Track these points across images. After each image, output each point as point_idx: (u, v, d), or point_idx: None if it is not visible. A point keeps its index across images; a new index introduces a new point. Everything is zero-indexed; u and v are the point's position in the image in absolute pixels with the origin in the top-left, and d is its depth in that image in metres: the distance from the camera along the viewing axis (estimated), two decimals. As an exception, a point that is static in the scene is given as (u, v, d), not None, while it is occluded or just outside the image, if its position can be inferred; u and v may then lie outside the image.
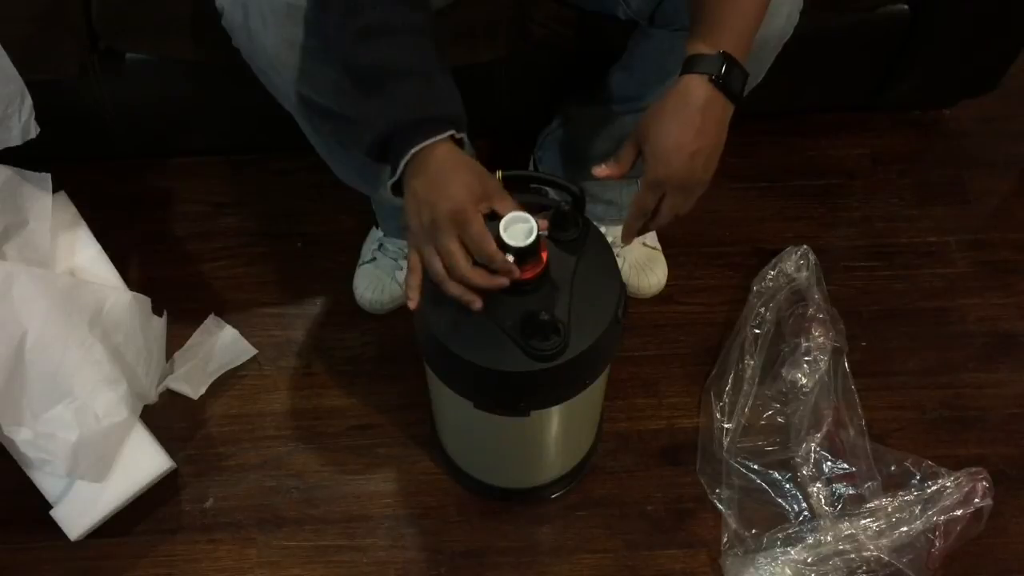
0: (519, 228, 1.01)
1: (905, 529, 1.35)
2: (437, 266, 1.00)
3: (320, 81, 1.15)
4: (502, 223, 1.00)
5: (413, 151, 0.98)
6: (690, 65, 1.03)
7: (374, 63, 0.99)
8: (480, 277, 1.00)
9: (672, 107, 1.03)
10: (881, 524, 1.36)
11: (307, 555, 1.40)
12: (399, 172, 1.00)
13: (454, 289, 1.00)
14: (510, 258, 1.00)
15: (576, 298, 1.09)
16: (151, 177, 1.72)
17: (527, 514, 1.44)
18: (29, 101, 1.32)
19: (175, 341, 1.53)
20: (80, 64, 1.44)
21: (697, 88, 1.02)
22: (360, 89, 1.01)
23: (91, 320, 1.35)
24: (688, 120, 1.02)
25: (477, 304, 1.01)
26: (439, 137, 0.98)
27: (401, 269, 1.56)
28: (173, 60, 1.45)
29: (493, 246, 0.98)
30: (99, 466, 1.33)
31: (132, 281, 1.53)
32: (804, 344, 1.48)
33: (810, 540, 1.36)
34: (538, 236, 1.01)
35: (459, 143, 1.01)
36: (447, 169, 0.98)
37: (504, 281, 1.00)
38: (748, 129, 1.73)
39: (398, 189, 1.02)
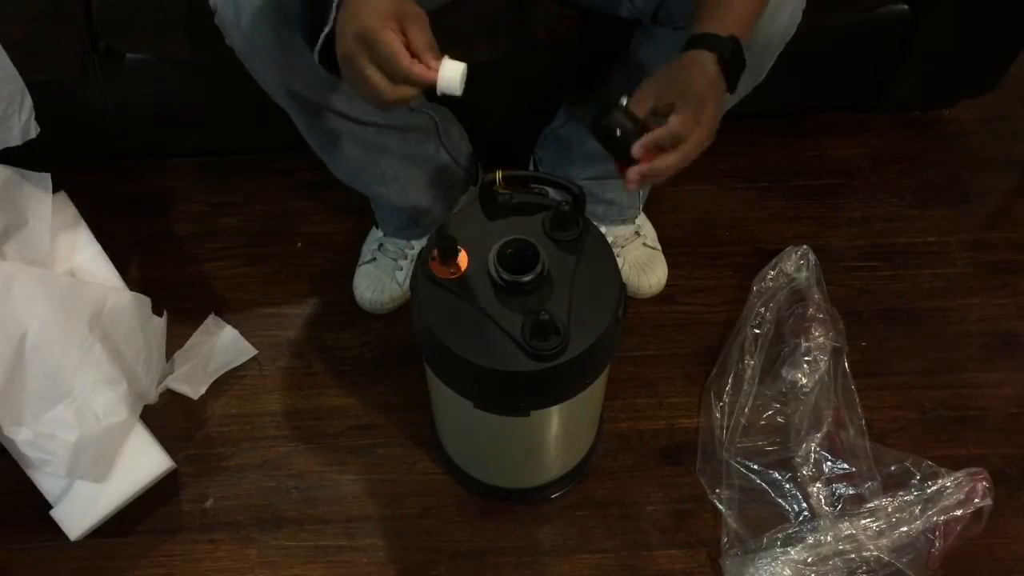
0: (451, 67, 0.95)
1: (905, 529, 1.35)
2: (363, 92, 0.95)
3: (312, 78, 1.15)
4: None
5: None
6: (700, 42, 1.01)
7: None
8: (405, 94, 0.94)
9: (688, 66, 1.01)
10: (881, 524, 1.36)
11: (307, 555, 1.40)
12: (331, 21, 0.95)
13: (392, 101, 0.95)
14: (438, 64, 0.93)
15: (576, 298, 1.09)
16: (151, 177, 1.72)
17: (527, 514, 1.44)
18: (29, 101, 1.33)
19: (175, 341, 1.53)
20: (80, 64, 1.44)
21: (708, 63, 1.01)
22: None
23: (91, 320, 1.35)
24: (703, 79, 1.01)
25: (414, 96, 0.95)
26: None
27: (401, 269, 1.56)
28: (173, 60, 1.45)
29: (404, 61, 0.91)
30: (99, 466, 1.33)
31: (132, 281, 1.53)
32: (804, 344, 1.48)
33: (810, 540, 1.36)
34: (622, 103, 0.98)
35: None
36: None
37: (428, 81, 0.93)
38: (748, 129, 1.75)
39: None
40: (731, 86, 1.04)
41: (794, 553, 1.35)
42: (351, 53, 0.93)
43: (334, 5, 0.95)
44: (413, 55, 0.93)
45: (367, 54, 0.92)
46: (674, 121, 0.98)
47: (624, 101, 1.00)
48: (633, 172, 0.99)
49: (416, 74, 0.92)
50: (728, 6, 1.03)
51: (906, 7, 1.52)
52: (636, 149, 0.98)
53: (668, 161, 0.99)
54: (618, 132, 0.99)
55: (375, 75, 0.93)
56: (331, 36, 0.96)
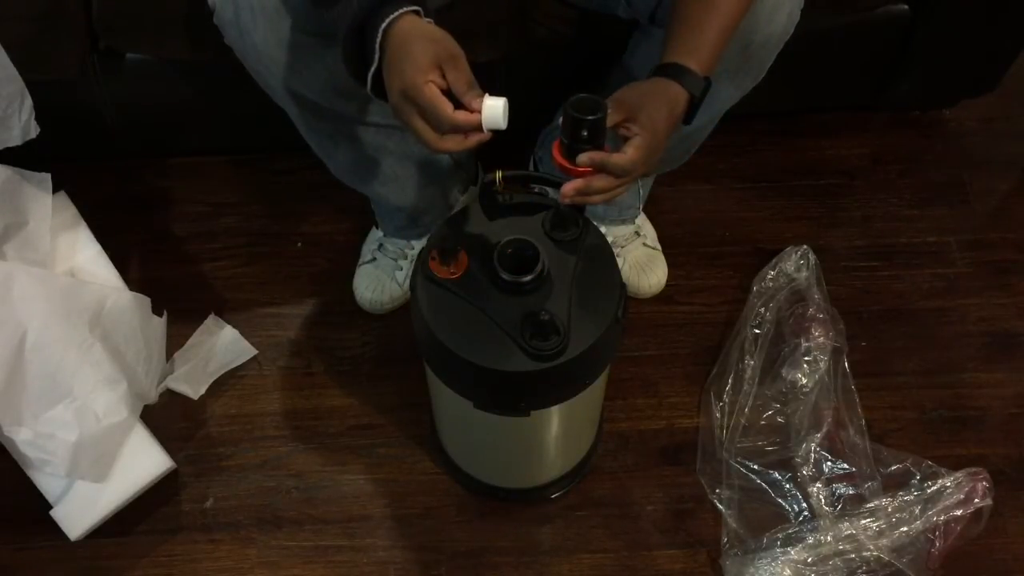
0: (585, 103, 0.98)
1: (905, 529, 1.35)
2: (417, 141, 0.99)
3: (311, 77, 1.15)
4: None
5: (379, 39, 0.97)
6: (677, 74, 1.04)
7: None
8: (454, 143, 0.98)
9: (662, 99, 1.03)
10: (881, 524, 1.36)
11: (307, 555, 1.40)
12: (376, 59, 0.98)
13: (444, 150, 0.99)
14: (480, 102, 0.96)
15: (576, 298, 1.09)
16: (151, 177, 1.72)
17: (527, 514, 1.44)
18: (29, 101, 1.32)
19: (175, 341, 1.53)
20: (80, 64, 1.44)
21: (681, 101, 1.04)
22: (321, 4, 1.01)
23: (91, 320, 1.35)
24: (672, 115, 1.04)
25: (473, 141, 0.98)
26: (396, 13, 0.96)
27: (401, 269, 1.56)
28: (173, 60, 1.45)
29: (447, 111, 0.95)
30: (99, 466, 1.33)
31: (132, 281, 1.53)
32: (804, 344, 1.48)
33: (810, 540, 1.36)
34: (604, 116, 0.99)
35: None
36: (400, 46, 0.97)
37: (480, 137, 0.97)
38: (748, 129, 1.75)
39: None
40: (688, 120, 1.07)
41: (794, 553, 1.35)
42: (399, 108, 0.98)
43: (377, 44, 0.98)
44: (458, 95, 0.96)
45: (414, 109, 0.96)
46: (630, 153, 1.01)
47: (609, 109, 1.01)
48: (570, 187, 1.02)
49: (460, 123, 0.96)
50: (704, 33, 1.05)
51: (906, 7, 1.52)
52: (583, 157, 1.00)
53: (605, 185, 1.02)
54: (585, 133, 1.00)
55: (424, 128, 0.97)
56: (378, 70, 0.99)
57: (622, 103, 1.02)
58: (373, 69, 0.99)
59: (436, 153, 1.00)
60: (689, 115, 1.06)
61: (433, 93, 0.95)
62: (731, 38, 1.08)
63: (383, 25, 0.97)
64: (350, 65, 1.01)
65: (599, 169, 1.01)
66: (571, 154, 1.01)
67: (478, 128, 0.96)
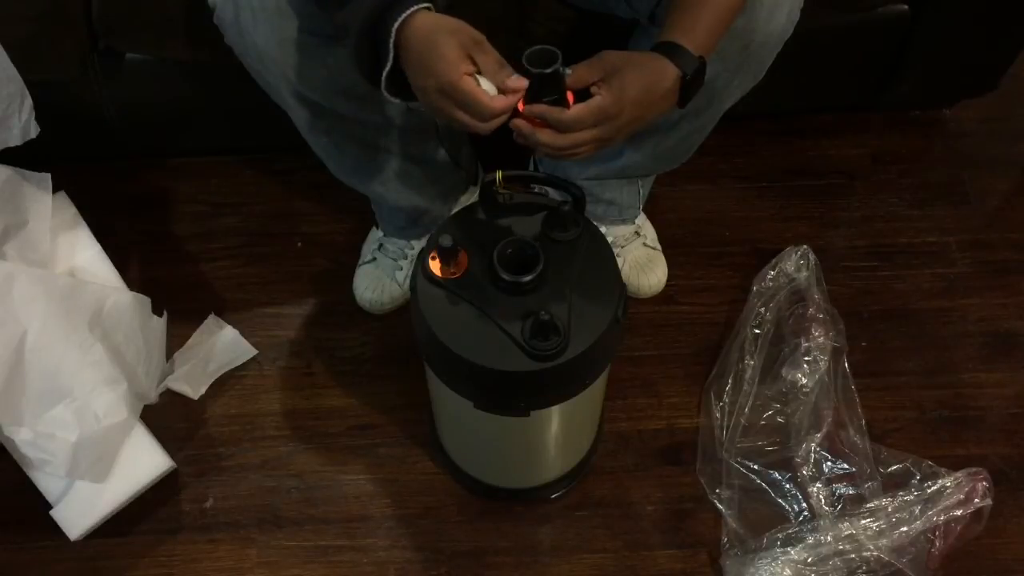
0: (541, 56, 0.99)
1: (905, 529, 1.35)
2: (461, 126, 1.00)
3: (311, 77, 1.15)
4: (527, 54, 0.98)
5: (392, 38, 0.97)
6: (670, 50, 1.02)
7: None
8: (499, 122, 0.99)
9: (645, 71, 1.02)
10: (881, 524, 1.36)
11: (307, 555, 1.40)
12: (390, 59, 0.99)
13: (492, 130, 1.00)
14: (516, 81, 0.97)
15: (576, 298, 1.09)
16: (151, 177, 1.72)
17: (527, 514, 1.44)
18: (29, 101, 1.32)
19: (175, 341, 1.53)
20: (80, 64, 1.44)
21: (669, 76, 1.02)
22: (330, 5, 1.01)
23: (91, 320, 1.35)
24: (652, 89, 1.01)
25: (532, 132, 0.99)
26: (409, 11, 0.97)
27: (401, 269, 1.56)
28: (173, 60, 1.45)
29: (484, 100, 0.96)
30: (99, 466, 1.33)
31: (132, 281, 1.53)
32: (804, 344, 1.48)
33: (810, 540, 1.36)
34: (560, 70, 0.99)
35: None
36: (423, 43, 0.97)
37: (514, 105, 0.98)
38: (748, 129, 1.75)
39: (399, 87, 1.01)
40: (683, 102, 1.05)
41: (794, 553, 1.35)
42: (439, 106, 0.98)
43: (391, 43, 0.98)
44: (490, 77, 0.98)
45: (454, 103, 0.97)
46: (577, 110, 0.99)
47: (568, 71, 1.00)
48: (517, 122, 1.01)
49: (501, 109, 0.97)
50: (699, 14, 1.04)
51: (906, 7, 1.52)
52: (533, 107, 0.99)
53: (548, 139, 1.01)
54: (536, 85, 0.99)
55: (466, 118, 0.98)
56: (393, 68, 1.00)
57: (599, 64, 1.01)
58: (388, 69, 0.99)
59: (475, 131, 1.00)
60: (684, 96, 1.04)
61: (471, 87, 0.96)
62: (730, 23, 1.06)
63: (396, 24, 0.96)
64: (362, 66, 1.01)
65: (543, 122, 1.00)
66: (529, 102, 1.01)
67: (517, 109, 0.98)
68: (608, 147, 1.05)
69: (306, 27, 1.11)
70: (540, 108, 1.00)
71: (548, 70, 0.98)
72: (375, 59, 1.00)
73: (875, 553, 1.34)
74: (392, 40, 0.97)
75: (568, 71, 1.00)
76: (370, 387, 1.53)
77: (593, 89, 1.00)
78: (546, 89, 0.99)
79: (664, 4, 1.18)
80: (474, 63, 0.98)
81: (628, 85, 1.00)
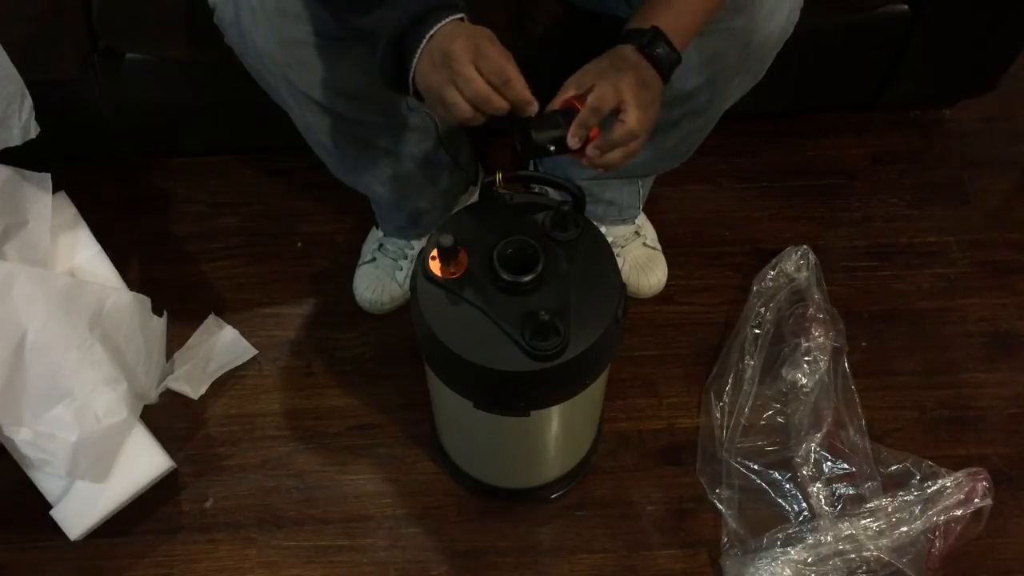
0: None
1: (905, 529, 1.35)
2: (459, 101, 0.98)
3: (311, 77, 1.15)
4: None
5: (422, 46, 0.98)
6: (622, 38, 1.04)
7: None
8: (500, 100, 0.99)
9: (610, 57, 1.03)
10: (881, 524, 1.36)
11: (307, 555, 1.40)
12: (415, 64, 0.99)
13: (479, 119, 1.00)
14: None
15: (576, 298, 1.09)
16: (151, 177, 1.72)
17: (527, 514, 1.44)
18: (29, 101, 1.32)
19: (175, 341, 1.53)
20: (80, 64, 1.44)
21: (627, 50, 1.03)
22: (359, 10, 1.01)
23: (91, 320, 1.35)
24: (627, 64, 1.03)
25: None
26: (445, 21, 0.98)
27: (401, 269, 1.56)
28: (173, 60, 1.45)
29: (511, 67, 0.97)
30: (99, 466, 1.33)
31: (132, 281, 1.53)
32: (804, 344, 1.48)
33: (810, 540, 1.36)
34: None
35: None
36: (451, 30, 0.98)
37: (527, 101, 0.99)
38: (748, 129, 1.75)
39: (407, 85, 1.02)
40: (663, 73, 1.04)
41: (794, 553, 1.35)
42: (455, 57, 0.96)
43: (419, 51, 0.98)
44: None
45: (471, 57, 0.97)
46: (591, 97, 1.00)
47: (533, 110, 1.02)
48: (590, 148, 1.02)
49: (517, 87, 0.99)
50: (656, 11, 1.04)
51: (906, 7, 1.52)
52: (571, 139, 1.01)
53: (619, 157, 1.03)
54: (551, 148, 1.01)
55: (475, 76, 0.97)
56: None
57: (566, 85, 1.03)
58: (412, 74, 0.99)
59: (469, 119, 1.00)
60: (659, 65, 1.03)
61: (502, 49, 0.97)
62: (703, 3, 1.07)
63: (431, 32, 0.97)
64: (386, 70, 1.01)
65: (607, 150, 1.02)
66: (571, 150, 1.03)
67: (525, 103, 0.99)
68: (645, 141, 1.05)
69: (308, 28, 1.11)
70: (599, 141, 1.01)
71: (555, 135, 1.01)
72: (398, 63, 1.00)
73: (875, 553, 1.34)
74: (422, 47, 0.98)
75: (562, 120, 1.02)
76: (370, 387, 1.53)
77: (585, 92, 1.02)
78: (554, 138, 1.02)
79: None
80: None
81: (603, 65, 1.02)
